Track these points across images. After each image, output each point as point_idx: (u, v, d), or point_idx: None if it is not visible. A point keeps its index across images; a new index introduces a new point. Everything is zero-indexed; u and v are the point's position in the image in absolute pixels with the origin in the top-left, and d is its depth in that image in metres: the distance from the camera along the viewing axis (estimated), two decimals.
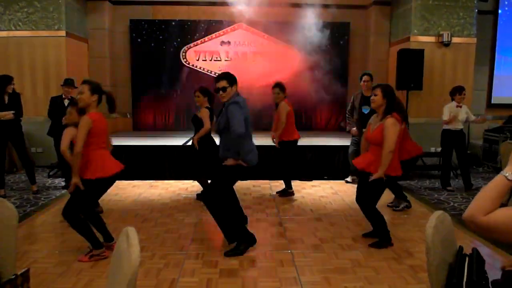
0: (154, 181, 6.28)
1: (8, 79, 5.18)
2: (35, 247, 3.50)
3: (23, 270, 1.86)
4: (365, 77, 5.64)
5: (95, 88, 3.29)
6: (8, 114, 5.11)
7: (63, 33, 7.24)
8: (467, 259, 1.65)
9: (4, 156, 5.37)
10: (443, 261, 1.66)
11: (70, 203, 3.21)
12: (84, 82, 3.33)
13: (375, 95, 3.57)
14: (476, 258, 1.63)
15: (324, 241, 3.79)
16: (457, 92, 5.80)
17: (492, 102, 8.67)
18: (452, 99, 5.84)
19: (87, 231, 3.24)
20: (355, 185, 5.93)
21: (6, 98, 5.18)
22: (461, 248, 1.75)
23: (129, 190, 5.72)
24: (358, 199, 3.76)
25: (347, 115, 6.12)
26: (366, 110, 5.52)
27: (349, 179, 6.24)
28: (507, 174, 1.24)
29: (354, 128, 5.88)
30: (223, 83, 3.44)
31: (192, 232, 3.99)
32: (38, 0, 7.15)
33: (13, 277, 1.79)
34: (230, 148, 3.43)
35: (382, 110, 3.56)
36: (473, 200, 1.26)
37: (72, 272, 3.06)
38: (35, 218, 4.43)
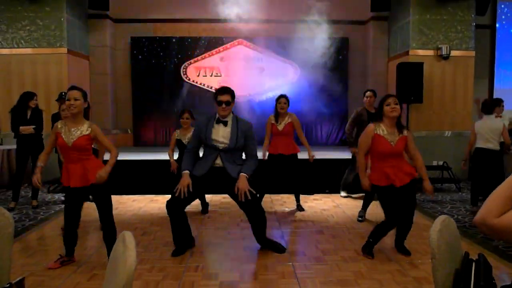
0: (154, 195, 6.23)
1: (31, 95, 5.35)
2: (32, 260, 3.43)
3: (18, 279, 1.81)
4: (368, 93, 5.56)
5: (86, 95, 3.29)
6: (29, 129, 5.26)
7: (64, 50, 7.33)
8: (473, 264, 1.60)
9: (24, 170, 5.44)
10: (449, 266, 1.62)
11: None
12: (75, 88, 3.25)
13: (397, 104, 3.48)
14: (483, 264, 1.59)
15: (326, 253, 3.72)
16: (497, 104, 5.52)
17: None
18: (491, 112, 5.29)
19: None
20: (355, 199, 5.95)
21: (29, 113, 5.35)
22: (467, 253, 1.70)
23: (129, 204, 5.68)
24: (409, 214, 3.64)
25: (347, 132, 5.76)
26: None
27: (344, 193, 6.18)
28: None
29: (355, 148, 5.70)
30: (227, 97, 3.49)
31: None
32: (40, 18, 7.25)
33: (7, 286, 1.74)
34: (240, 164, 3.56)
35: (396, 120, 3.51)
36: (485, 202, 1.23)
37: (68, 285, 2.99)
38: (33, 232, 4.38)
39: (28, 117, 5.33)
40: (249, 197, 3.41)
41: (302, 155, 5.39)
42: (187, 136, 4.89)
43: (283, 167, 5.19)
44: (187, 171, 3.49)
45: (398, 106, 3.48)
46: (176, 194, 3.42)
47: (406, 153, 3.65)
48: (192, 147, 3.65)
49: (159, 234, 4.30)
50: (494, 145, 5.11)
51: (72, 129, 3.19)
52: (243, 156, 3.72)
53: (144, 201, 5.86)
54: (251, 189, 3.44)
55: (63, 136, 3.17)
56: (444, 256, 1.58)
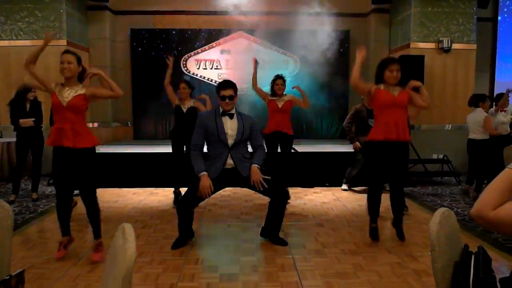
0: (154, 188, 6.24)
1: (29, 87, 5.29)
2: (32, 253, 3.44)
3: (17, 271, 1.81)
4: None
5: (80, 60, 3.25)
6: (29, 121, 5.26)
7: (64, 42, 7.28)
8: (473, 257, 1.60)
9: (24, 163, 5.44)
10: (448, 258, 1.61)
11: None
12: (68, 52, 3.21)
13: (399, 70, 3.55)
14: (483, 256, 1.59)
15: (326, 246, 3.73)
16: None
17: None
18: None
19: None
20: (354, 193, 5.96)
21: (28, 105, 5.34)
22: (466, 246, 1.70)
23: (129, 197, 5.69)
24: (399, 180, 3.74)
25: (346, 128, 5.80)
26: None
27: (345, 186, 6.18)
28: None
29: (357, 143, 5.73)
30: (230, 92, 3.53)
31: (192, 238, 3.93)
32: (39, 10, 7.21)
33: (7, 277, 1.74)
34: (248, 158, 3.61)
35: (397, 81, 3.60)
36: (481, 195, 1.23)
37: (69, 277, 3.00)
38: (33, 225, 4.38)
39: (27, 109, 5.33)
40: (266, 186, 3.46)
41: (302, 148, 5.40)
42: (186, 105, 5.00)
43: (278, 145, 5.22)
44: (205, 173, 3.46)
45: (399, 73, 3.54)
46: (202, 196, 3.43)
47: (416, 105, 3.70)
48: (197, 144, 3.62)
49: (159, 227, 4.30)
50: (479, 136, 5.61)
51: (67, 89, 3.16)
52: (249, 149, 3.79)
53: (144, 194, 5.87)
54: (265, 177, 3.50)
55: (58, 96, 3.12)
56: (443, 249, 1.58)
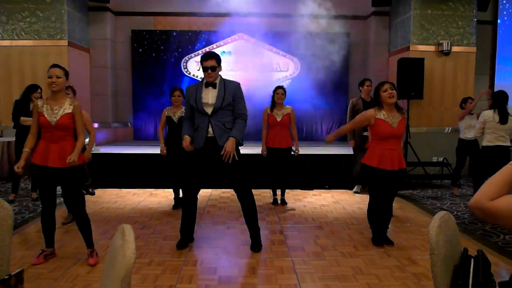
0: (154, 189, 6.24)
1: (34, 88, 5.31)
2: (31, 252, 3.43)
3: (17, 271, 1.81)
4: (368, 82, 5.64)
5: (67, 74, 3.26)
6: (30, 120, 5.16)
7: (65, 42, 7.29)
8: (472, 260, 1.60)
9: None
10: (447, 262, 1.61)
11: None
12: (57, 66, 3.20)
13: (393, 89, 3.60)
14: (482, 260, 1.59)
15: (325, 248, 3.73)
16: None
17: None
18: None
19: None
20: (357, 195, 5.96)
21: (31, 105, 5.26)
22: (465, 249, 1.70)
23: (129, 198, 5.69)
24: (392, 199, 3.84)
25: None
26: None
27: (356, 189, 6.17)
28: None
29: (353, 141, 5.82)
30: (212, 62, 3.48)
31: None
32: (41, 10, 7.21)
33: (7, 277, 1.74)
34: (230, 128, 3.55)
35: (394, 105, 3.64)
36: (481, 187, 1.27)
37: (67, 277, 3.00)
38: (33, 224, 4.38)
39: (31, 109, 5.32)
40: (236, 159, 3.49)
41: (301, 150, 5.40)
42: (177, 114, 4.97)
43: (278, 161, 5.21)
44: (186, 136, 3.57)
45: (394, 91, 3.60)
46: (186, 148, 3.55)
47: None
48: (189, 115, 3.67)
49: (158, 228, 4.30)
50: (469, 136, 5.81)
51: (55, 108, 3.15)
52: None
53: (144, 195, 5.86)
54: (236, 154, 3.50)
55: (45, 115, 3.13)
56: (443, 252, 1.58)
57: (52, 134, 3.15)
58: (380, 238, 3.81)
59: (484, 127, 4.89)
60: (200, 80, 3.70)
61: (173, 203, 5.22)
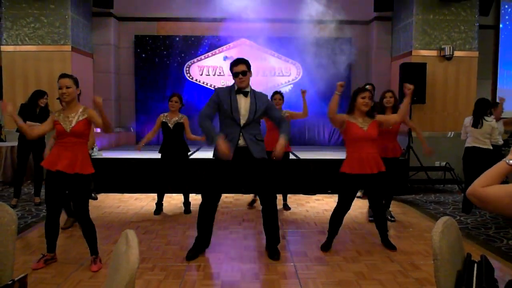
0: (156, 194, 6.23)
1: (41, 93, 5.36)
2: (34, 258, 3.44)
3: (20, 276, 1.82)
4: (369, 86, 5.59)
5: (77, 82, 3.29)
6: (34, 125, 5.21)
7: (68, 48, 7.34)
8: (475, 266, 1.60)
9: (25, 166, 5.48)
10: (451, 267, 1.61)
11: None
12: (66, 76, 3.23)
13: (370, 99, 3.69)
14: (485, 265, 1.59)
15: (328, 253, 3.72)
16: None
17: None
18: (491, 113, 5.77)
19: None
20: (360, 199, 5.95)
21: (38, 111, 5.37)
22: (469, 255, 1.70)
23: (131, 203, 5.70)
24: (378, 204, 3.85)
25: None
26: None
27: (359, 194, 6.17)
28: (508, 160, 1.39)
29: None
30: (242, 67, 3.45)
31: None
32: (45, 16, 7.27)
33: (10, 282, 1.74)
34: (260, 140, 3.56)
35: (365, 113, 3.75)
36: (477, 178, 1.40)
37: (70, 282, 3.00)
38: (35, 229, 4.39)
39: (37, 113, 5.34)
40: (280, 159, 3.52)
41: (304, 155, 5.40)
42: (173, 120, 4.98)
43: (276, 165, 5.19)
44: (222, 135, 3.38)
45: (370, 101, 3.68)
46: (223, 156, 3.32)
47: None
48: (209, 114, 3.48)
49: (161, 233, 4.30)
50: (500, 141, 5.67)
51: (70, 116, 3.20)
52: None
53: (147, 200, 5.87)
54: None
55: (62, 123, 3.18)
56: (446, 258, 1.58)
57: (66, 141, 3.19)
58: (330, 245, 3.84)
59: (466, 131, 5.32)
60: (230, 85, 3.63)
61: (177, 207, 5.22)
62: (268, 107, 3.59)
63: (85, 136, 3.26)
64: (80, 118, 3.21)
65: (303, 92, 5.18)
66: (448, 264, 1.58)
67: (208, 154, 5.35)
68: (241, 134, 3.46)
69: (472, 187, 1.39)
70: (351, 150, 3.72)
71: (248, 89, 3.53)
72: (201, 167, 6.16)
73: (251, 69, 3.53)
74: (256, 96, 3.55)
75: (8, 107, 3.17)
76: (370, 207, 4.85)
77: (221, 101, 3.48)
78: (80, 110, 3.25)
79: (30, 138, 3.27)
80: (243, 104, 3.48)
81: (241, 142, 3.47)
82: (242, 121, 3.47)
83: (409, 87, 3.88)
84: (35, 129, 3.38)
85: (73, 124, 3.18)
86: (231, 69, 3.51)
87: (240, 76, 3.43)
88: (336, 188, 3.90)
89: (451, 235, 1.67)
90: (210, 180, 3.55)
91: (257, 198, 5.41)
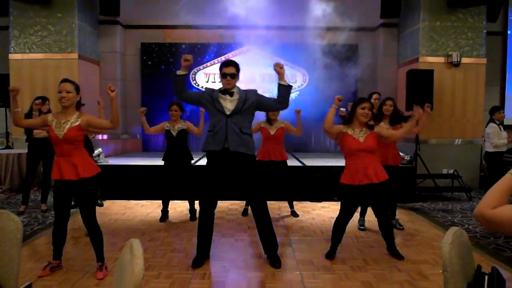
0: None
1: (43, 100, 5.35)
2: (40, 265, 3.44)
3: (26, 284, 1.82)
4: (375, 95, 5.58)
5: (78, 88, 3.29)
6: (42, 132, 5.27)
7: (75, 55, 7.41)
8: (486, 278, 1.56)
9: (34, 173, 5.51)
10: (461, 279, 1.57)
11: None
12: (67, 80, 3.23)
13: (370, 110, 3.66)
14: (496, 277, 1.55)
15: (334, 262, 3.68)
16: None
17: (504, 123, 8.55)
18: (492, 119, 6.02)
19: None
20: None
21: (38, 115, 5.33)
22: (479, 266, 1.66)
23: (137, 210, 5.69)
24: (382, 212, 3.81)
25: None
26: None
27: None
28: None
29: None
30: (232, 70, 3.45)
31: None
32: (52, 24, 7.36)
33: None
34: (246, 133, 3.48)
35: (365, 124, 3.73)
36: (483, 197, 1.34)
37: None
38: (42, 236, 4.40)
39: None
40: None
41: (292, 163, 5.37)
42: (176, 127, 5.00)
43: (274, 174, 5.21)
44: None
45: (370, 113, 3.65)
46: (183, 60, 3.39)
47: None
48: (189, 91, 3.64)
49: (167, 240, 4.29)
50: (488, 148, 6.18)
51: (62, 122, 3.18)
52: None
53: (152, 207, 5.86)
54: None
55: (54, 129, 3.16)
56: (456, 269, 1.54)
57: (61, 148, 3.18)
58: (334, 253, 3.81)
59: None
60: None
61: (183, 214, 5.21)
62: (259, 99, 3.55)
63: (79, 142, 3.23)
64: (73, 125, 3.18)
65: (298, 111, 5.14)
66: (458, 276, 1.55)
67: None
68: (226, 124, 3.42)
69: (479, 208, 1.32)
70: (348, 162, 3.70)
71: (233, 90, 3.51)
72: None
73: (240, 73, 3.54)
74: (245, 93, 3.53)
75: (18, 87, 3.12)
76: (362, 212, 4.84)
77: (205, 97, 3.53)
78: (74, 116, 3.22)
79: (17, 124, 3.26)
80: (228, 102, 3.48)
81: (227, 138, 3.42)
82: (228, 112, 3.45)
83: (420, 112, 4.06)
84: (27, 120, 3.44)
85: (65, 131, 3.15)
86: (220, 69, 3.50)
87: (228, 78, 3.44)
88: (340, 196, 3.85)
89: (461, 245, 1.64)
90: (203, 187, 3.58)
91: (248, 206, 5.41)
